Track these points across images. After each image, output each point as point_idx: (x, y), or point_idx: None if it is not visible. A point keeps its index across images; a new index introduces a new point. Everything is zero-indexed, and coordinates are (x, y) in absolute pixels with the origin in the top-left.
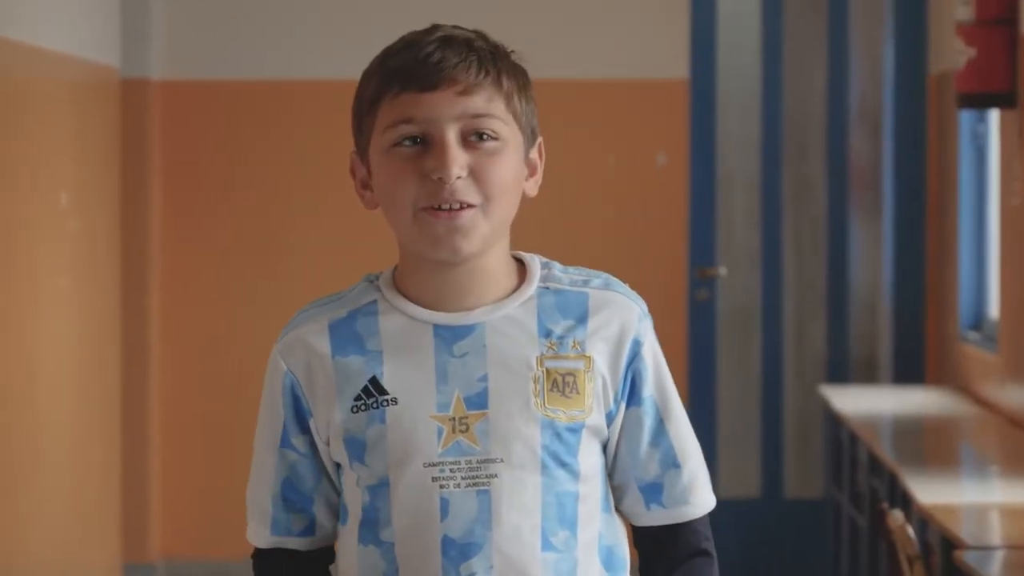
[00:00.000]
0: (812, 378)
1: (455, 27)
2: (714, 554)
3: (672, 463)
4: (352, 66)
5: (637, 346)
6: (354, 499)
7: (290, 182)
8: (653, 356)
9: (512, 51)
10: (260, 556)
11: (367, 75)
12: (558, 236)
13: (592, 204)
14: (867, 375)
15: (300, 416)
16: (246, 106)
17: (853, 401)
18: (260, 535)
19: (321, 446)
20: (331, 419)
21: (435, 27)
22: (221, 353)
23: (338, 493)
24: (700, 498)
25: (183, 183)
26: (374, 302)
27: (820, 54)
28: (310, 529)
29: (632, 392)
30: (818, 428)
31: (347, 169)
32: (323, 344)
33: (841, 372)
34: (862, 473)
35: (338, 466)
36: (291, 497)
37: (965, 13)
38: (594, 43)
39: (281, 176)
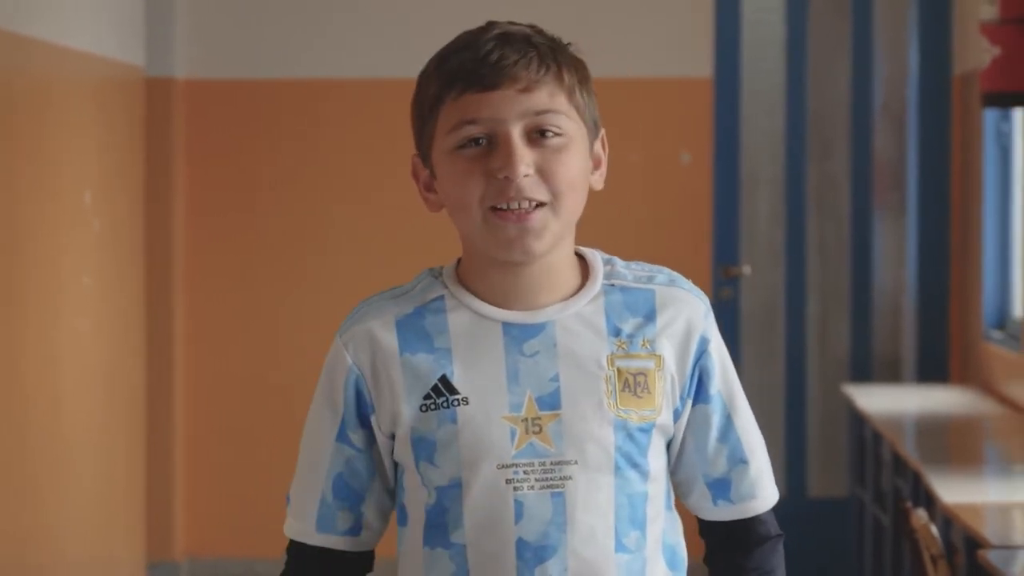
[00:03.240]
0: (836, 377)
1: (510, 23)
2: (781, 535)
3: (740, 459)
4: (378, 65)
5: (704, 343)
6: (417, 501)
7: (314, 181)
8: (719, 352)
9: (569, 43)
10: (297, 552)
11: (425, 78)
12: (582, 234)
13: (616, 202)
14: (891, 374)
15: (361, 411)
16: (270, 105)
17: (877, 400)
18: (303, 530)
19: (382, 441)
20: (397, 417)
21: (491, 24)
22: (244, 352)
23: (389, 493)
24: (766, 492)
25: (207, 182)
26: (440, 298)
27: (844, 52)
28: (356, 528)
29: (699, 389)
30: (842, 427)
31: (373, 167)
32: (390, 340)
33: (865, 371)
34: (886, 472)
35: (396, 466)
36: (342, 493)
37: (990, 12)
38: (618, 41)
39: (305, 175)
